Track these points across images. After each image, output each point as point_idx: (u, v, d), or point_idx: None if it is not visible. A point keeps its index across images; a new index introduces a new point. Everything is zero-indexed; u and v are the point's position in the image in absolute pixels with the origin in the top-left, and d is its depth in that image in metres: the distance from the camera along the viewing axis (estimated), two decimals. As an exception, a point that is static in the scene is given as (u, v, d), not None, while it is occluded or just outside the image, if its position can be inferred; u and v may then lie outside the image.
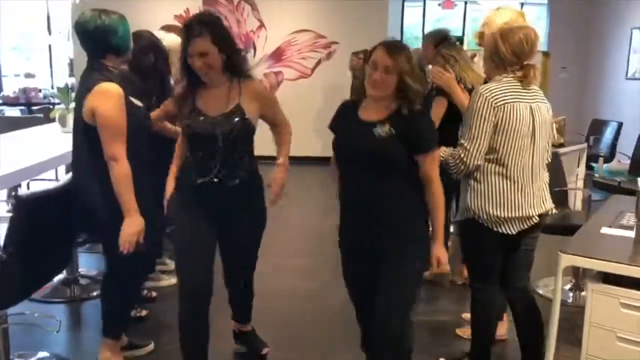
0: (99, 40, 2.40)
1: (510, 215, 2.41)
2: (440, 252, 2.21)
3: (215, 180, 2.42)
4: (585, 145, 6.11)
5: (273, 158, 2.77)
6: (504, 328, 3.14)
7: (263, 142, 2.84)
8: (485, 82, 2.68)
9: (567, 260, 2.32)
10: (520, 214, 2.42)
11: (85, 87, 2.39)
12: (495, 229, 2.42)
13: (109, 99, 2.33)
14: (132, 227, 2.38)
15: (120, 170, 2.35)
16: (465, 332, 3.20)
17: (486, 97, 2.35)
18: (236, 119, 2.41)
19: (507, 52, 2.37)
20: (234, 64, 2.42)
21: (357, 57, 7.14)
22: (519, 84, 2.40)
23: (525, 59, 2.39)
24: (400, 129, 2.14)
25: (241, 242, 2.66)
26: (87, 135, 2.40)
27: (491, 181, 2.41)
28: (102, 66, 2.41)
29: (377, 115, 2.19)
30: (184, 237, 2.47)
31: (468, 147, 2.37)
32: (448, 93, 3.16)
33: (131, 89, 2.57)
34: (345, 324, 3.45)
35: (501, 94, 2.36)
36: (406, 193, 2.20)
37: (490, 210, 2.40)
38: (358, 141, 2.20)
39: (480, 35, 2.89)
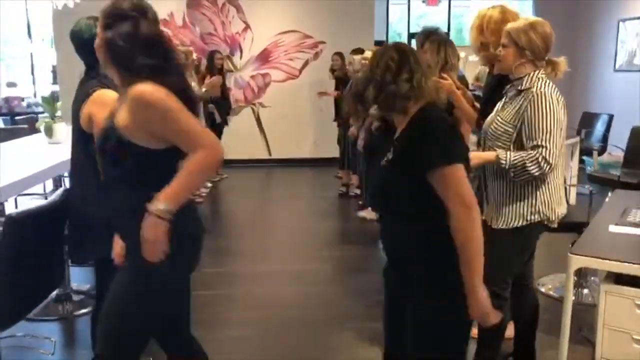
0: (95, 49, 2.31)
1: (563, 212, 2.45)
2: (479, 305, 1.74)
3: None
4: (578, 139, 6.09)
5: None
6: (512, 328, 3.10)
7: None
8: (499, 78, 2.61)
9: (578, 262, 2.27)
10: (565, 210, 2.47)
11: (83, 94, 2.34)
12: (552, 226, 2.44)
13: (106, 105, 2.25)
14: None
15: None
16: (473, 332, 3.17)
17: (555, 96, 2.31)
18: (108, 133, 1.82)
19: (541, 46, 2.34)
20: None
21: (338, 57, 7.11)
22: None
23: (549, 52, 2.39)
24: (397, 150, 1.80)
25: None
26: (85, 144, 2.32)
27: (551, 179, 2.39)
28: (98, 74, 2.34)
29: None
30: None
31: (549, 146, 2.24)
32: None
33: None
34: (343, 331, 3.39)
35: (558, 91, 2.36)
36: (431, 236, 1.78)
37: (557, 209, 2.41)
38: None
39: (480, 31, 2.81)
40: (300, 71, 8.73)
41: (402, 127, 1.83)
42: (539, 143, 2.26)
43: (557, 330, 2.48)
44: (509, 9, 2.79)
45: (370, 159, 5.40)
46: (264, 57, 8.66)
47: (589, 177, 5.68)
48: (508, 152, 2.33)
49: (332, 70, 7.30)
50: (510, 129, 2.35)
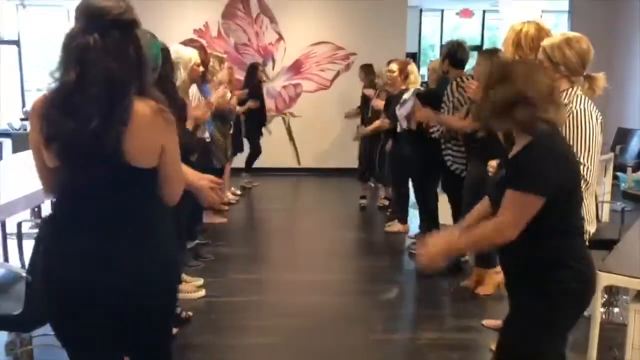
0: None
1: (593, 230, 2.42)
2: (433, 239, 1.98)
3: None
4: (611, 155, 5.97)
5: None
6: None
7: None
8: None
9: (606, 279, 2.24)
10: (594, 228, 2.46)
11: None
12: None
13: None
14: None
15: None
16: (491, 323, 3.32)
17: (595, 114, 2.31)
18: None
19: (577, 62, 2.34)
20: None
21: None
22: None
23: (586, 68, 2.37)
24: (510, 169, 1.90)
25: None
26: None
27: (584, 198, 2.33)
28: None
29: None
30: None
31: (588, 164, 2.25)
32: None
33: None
34: (367, 342, 3.38)
35: (596, 108, 2.34)
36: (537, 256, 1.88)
37: (588, 227, 2.35)
38: None
39: (517, 46, 2.82)
40: (332, 82, 8.78)
41: (520, 147, 1.88)
42: (579, 161, 2.24)
43: (585, 349, 2.45)
44: (543, 26, 2.79)
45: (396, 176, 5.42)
46: (296, 67, 8.74)
47: (622, 194, 5.56)
48: None
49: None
50: None
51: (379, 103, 5.98)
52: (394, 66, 5.40)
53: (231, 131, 6.32)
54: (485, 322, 3.52)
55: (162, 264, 1.74)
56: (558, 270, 1.85)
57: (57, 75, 1.62)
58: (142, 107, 1.62)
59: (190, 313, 3.56)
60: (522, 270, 1.93)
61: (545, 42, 2.44)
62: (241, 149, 7.18)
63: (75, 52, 1.58)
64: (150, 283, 1.70)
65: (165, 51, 3.07)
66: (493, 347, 3.26)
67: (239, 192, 7.09)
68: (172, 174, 1.73)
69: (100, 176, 1.61)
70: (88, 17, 1.60)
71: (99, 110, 1.56)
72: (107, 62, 1.57)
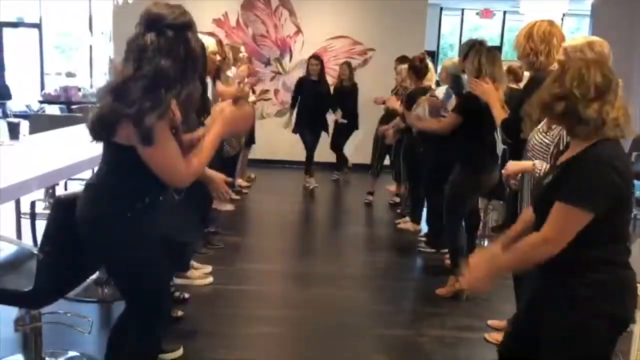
0: None
1: None
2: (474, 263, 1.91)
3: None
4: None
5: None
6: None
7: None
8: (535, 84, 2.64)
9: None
10: None
11: None
12: None
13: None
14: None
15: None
16: (494, 337, 3.28)
17: None
18: None
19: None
20: None
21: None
22: None
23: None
24: (558, 176, 1.82)
25: None
26: None
27: None
28: None
29: None
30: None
31: None
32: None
33: None
34: (369, 337, 3.39)
35: None
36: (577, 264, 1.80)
37: None
38: None
39: (528, 38, 2.83)
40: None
41: (572, 154, 1.80)
42: None
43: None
44: (557, 25, 2.83)
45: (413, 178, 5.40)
46: (313, 61, 8.72)
47: (636, 202, 5.52)
48: (545, 163, 2.33)
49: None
50: (550, 143, 2.36)
51: (392, 102, 5.95)
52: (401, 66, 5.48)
53: None
54: (491, 322, 3.52)
55: (92, 216, 2.05)
56: (589, 274, 1.77)
57: (119, 68, 1.95)
58: None
59: (187, 295, 3.60)
60: (552, 276, 1.85)
61: (567, 44, 2.44)
62: (253, 141, 7.25)
63: (135, 50, 1.91)
64: (85, 234, 2.09)
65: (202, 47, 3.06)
66: (487, 337, 3.30)
67: (244, 183, 7.10)
68: (155, 167, 1.97)
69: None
70: (147, 22, 1.93)
71: (142, 99, 1.86)
72: (158, 60, 1.89)
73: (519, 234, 1.98)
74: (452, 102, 4.68)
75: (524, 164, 2.47)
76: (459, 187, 3.81)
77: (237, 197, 6.53)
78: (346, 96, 7.44)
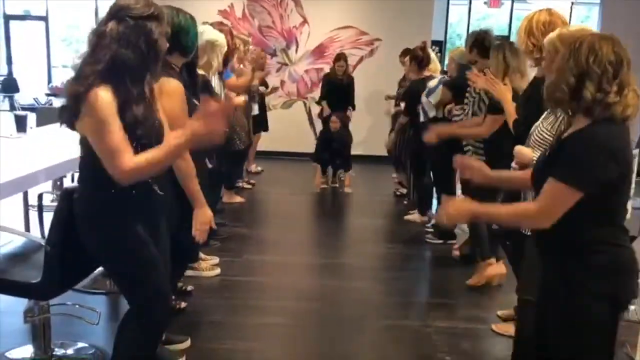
0: (171, 38, 2.40)
1: None
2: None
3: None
4: (637, 151, 5.86)
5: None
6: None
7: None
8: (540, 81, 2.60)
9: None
10: None
11: None
12: None
13: (170, 95, 2.37)
14: (205, 216, 2.50)
15: (189, 165, 2.43)
16: (501, 328, 3.29)
17: None
18: None
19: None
20: None
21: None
22: None
23: None
24: (555, 150, 1.84)
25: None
26: None
27: None
28: (166, 63, 2.42)
29: None
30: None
31: None
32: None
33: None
34: (375, 328, 3.40)
35: None
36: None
37: None
38: None
39: (528, 33, 2.77)
40: (355, 67, 8.73)
41: (573, 130, 1.79)
42: None
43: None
44: (556, 12, 2.74)
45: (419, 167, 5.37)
46: (319, 52, 8.70)
47: (645, 191, 5.47)
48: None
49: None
50: (549, 138, 2.35)
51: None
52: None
53: (257, 112, 6.42)
54: (500, 312, 3.51)
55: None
56: (586, 256, 1.76)
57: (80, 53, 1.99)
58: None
59: (191, 287, 3.60)
60: (550, 258, 1.88)
61: (563, 32, 2.41)
62: (266, 128, 7.28)
63: (94, 37, 1.95)
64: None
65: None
66: (495, 328, 3.31)
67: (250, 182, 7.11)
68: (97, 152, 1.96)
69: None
70: (111, 11, 1.96)
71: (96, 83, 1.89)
72: (115, 47, 1.91)
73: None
74: (437, 94, 4.67)
75: (526, 151, 2.48)
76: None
77: (249, 187, 6.65)
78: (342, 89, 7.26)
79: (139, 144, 1.97)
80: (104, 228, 2.08)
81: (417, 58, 5.12)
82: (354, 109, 7.31)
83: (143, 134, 1.98)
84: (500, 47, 3.56)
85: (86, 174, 2.12)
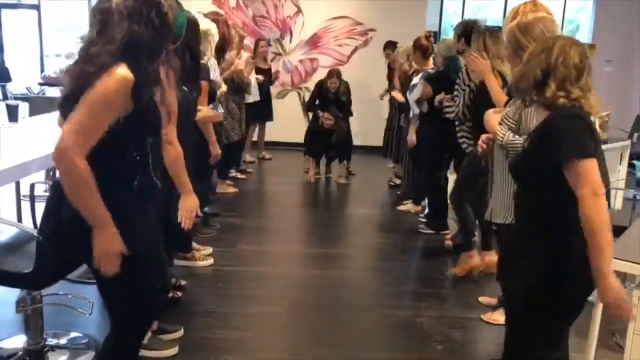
0: None
1: None
2: (611, 292, 1.76)
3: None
4: (628, 142, 5.90)
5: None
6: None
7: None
8: None
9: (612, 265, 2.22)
10: None
11: None
12: None
13: None
14: (192, 203, 2.46)
15: (178, 152, 2.39)
16: (490, 317, 3.34)
17: None
18: None
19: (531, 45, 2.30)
20: None
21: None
22: None
23: None
24: (534, 140, 1.94)
25: None
26: None
27: None
28: None
29: None
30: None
31: None
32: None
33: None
34: (370, 317, 3.42)
35: None
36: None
37: None
38: None
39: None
40: (349, 58, 8.72)
41: (540, 120, 1.90)
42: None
43: (587, 333, 2.46)
44: (540, 3, 2.70)
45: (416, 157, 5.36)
46: (314, 42, 8.68)
47: (637, 182, 5.51)
48: (509, 133, 2.49)
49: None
50: (513, 126, 2.44)
51: (399, 96, 5.91)
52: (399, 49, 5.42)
53: (253, 100, 6.44)
54: (482, 298, 3.59)
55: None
56: (567, 235, 1.81)
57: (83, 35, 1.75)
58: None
59: (184, 282, 3.58)
60: (532, 235, 1.93)
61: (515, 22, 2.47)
62: (270, 117, 7.34)
63: (97, 15, 1.71)
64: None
65: (192, 22, 2.93)
66: (484, 317, 3.34)
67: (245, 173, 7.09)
68: None
69: None
70: None
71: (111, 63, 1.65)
72: (127, 24, 1.67)
73: None
74: (418, 90, 4.66)
75: (495, 125, 2.59)
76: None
77: (243, 177, 6.66)
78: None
79: (146, 130, 1.79)
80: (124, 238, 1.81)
81: (421, 47, 5.02)
82: (346, 118, 6.79)
83: (151, 120, 1.81)
84: (481, 33, 3.59)
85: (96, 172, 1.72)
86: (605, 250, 1.71)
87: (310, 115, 7.03)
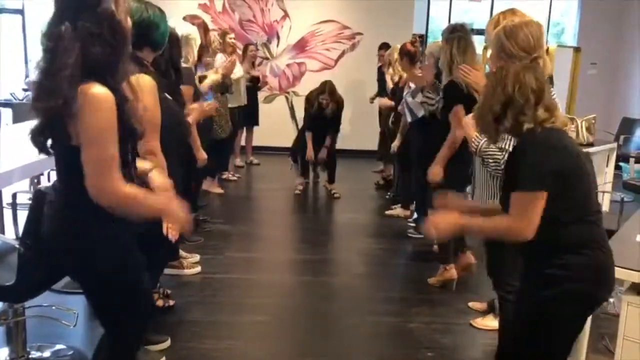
0: (141, 33, 2.34)
1: None
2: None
3: None
4: (614, 144, 5.94)
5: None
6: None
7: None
8: None
9: (600, 269, 2.21)
10: None
11: None
12: None
13: (143, 91, 2.28)
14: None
15: (160, 159, 2.35)
16: (480, 322, 3.35)
17: None
18: None
19: (515, 50, 2.33)
20: None
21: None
22: None
23: (534, 52, 2.35)
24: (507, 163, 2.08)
25: None
26: None
27: None
28: (136, 58, 2.36)
29: None
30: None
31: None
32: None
33: (166, 82, 2.57)
34: (362, 324, 3.40)
35: None
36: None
37: None
38: None
39: None
40: (336, 62, 8.71)
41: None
42: (501, 146, 2.47)
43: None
44: (518, 11, 2.70)
45: (404, 162, 5.33)
46: (301, 46, 8.66)
47: (623, 185, 5.54)
48: (483, 141, 2.53)
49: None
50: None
51: (384, 102, 5.90)
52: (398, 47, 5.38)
53: (245, 103, 6.50)
54: (472, 304, 3.60)
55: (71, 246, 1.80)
56: (564, 256, 1.81)
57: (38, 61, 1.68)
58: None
59: (168, 291, 3.49)
60: (529, 256, 1.93)
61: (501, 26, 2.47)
62: (256, 122, 7.38)
63: (47, 40, 1.66)
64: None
65: (173, 37, 3.00)
66: (474, 323, 3.34)
67: (236, 175, 7.05)
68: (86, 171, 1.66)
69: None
70: (62, 6, 1.67)
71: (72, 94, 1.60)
72: (77, 49, 1.61)
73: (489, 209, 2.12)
74: (418, 98, 4.63)
75: (471, 131, 2.62)
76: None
77: (234, 179, 6.72)
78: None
79: (125, 145, 1.75)
80: (103, 261, 1.81)
81: (408, 53, 4.97)
82: (337, 133, 6.49)
83: (129, 134, 1.76)
84: (449, 41, 3.58)
85: (83, 197, 1.68)
86: (487, 232, 2.08)
87: (299, 125, 6.87)
